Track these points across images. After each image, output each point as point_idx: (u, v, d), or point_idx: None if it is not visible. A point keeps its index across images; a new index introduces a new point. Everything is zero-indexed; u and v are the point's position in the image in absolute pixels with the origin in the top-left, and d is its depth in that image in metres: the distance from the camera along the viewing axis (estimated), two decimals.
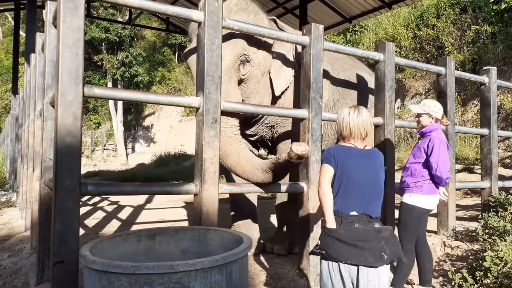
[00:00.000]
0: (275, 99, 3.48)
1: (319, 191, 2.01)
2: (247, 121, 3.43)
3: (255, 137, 3.69)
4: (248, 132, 3.58)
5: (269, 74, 3.37)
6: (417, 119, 3.06)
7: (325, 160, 2.06)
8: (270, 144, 3.79)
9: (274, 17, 3.47)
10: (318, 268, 3.04)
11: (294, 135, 3.43)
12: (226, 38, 3.03)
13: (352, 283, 1.91)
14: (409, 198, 2.89)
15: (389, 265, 1.96)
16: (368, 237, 1.91)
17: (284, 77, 3.40)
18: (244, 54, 3.10)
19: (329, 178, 2.02)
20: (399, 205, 3.00)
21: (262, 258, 3.43)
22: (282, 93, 3.44)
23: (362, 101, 4.12)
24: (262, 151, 4.15)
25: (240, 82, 3.18)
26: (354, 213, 1.97)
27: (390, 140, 3.59)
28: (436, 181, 2.85)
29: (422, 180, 2.86)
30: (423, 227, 3.00)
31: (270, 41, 3.32)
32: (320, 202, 2.02)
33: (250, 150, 3.77)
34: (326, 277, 1.95)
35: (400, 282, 2.87)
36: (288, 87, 3.44)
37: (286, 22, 3.57)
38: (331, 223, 1.96)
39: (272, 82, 3.37)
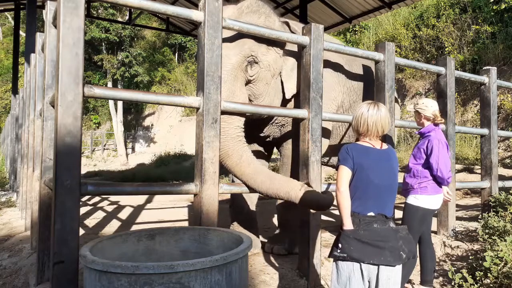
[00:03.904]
0: (285, 101, 3.45)
1: (338, 195, 1.99)
2: (259, 123, 3.42)
3: (268, 138, 3.68)
4: (261, 134, 3.58)
5: (280, 77, 3.34)
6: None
7: (342, 161, 2.03)
8: (277, 142, 3.78)
9: (287, 20, 3.43)
10: (319, 268, 3.05)
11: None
12: (235, 38, 3.02)
13: (369, 282, 1.92)
14: (414, 199, 2.89)
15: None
16: (387, 237, 1.92)
17: (295, 81, 3.36)
18: (252, 55, 3.07)
19: (348, 181, 2.00)
20: (400, 205, 3.00)
21: (262, 258, 3.43)
22: (293, 95, 3.40)
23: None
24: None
25: (248, 82, 3.16)
26: (371, 213, 1.97)
27: (390, 140, 3.59)
28: (438, 181, 2.86)
29: (426, 181, 2.86)
30: (428, 227, 3.01)
31: (282, 42, 3.28)
32: (338, 205, 2.00)
33: (263, 152, 3.79)
34: (345, 277, 1.94)
35: (402, 281, 2.87)
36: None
37: None
38: (348, 225, 1.95)
39: (283, 84, 3.34)
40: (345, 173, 2.00)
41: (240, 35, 3.03)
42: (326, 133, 3.65)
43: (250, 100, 3.18)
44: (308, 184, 2.91)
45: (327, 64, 3.61)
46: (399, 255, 1.91)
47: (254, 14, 3.17)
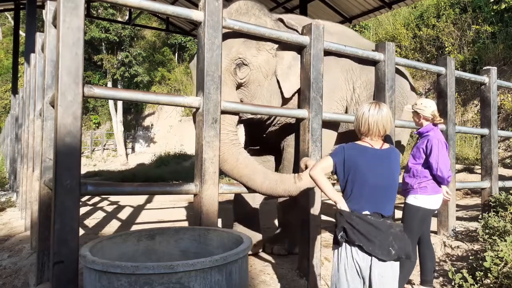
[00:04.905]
0: (285, 101, 3.39)
1: (311, 178, 2.03)
2: (260, 125, 3.41)
3: (270, 140, 3.65)
4: (264, 135, 3.57)
5: (276, 76, 3.29)
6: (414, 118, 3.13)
7: (333, 154, 2.04)
8: (279, 145, 3.76)
9: (281, 17, 3.38)
10: (319, 269, 3.05)
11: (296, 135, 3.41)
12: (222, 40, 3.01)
13: (363, 278, 1.93)
14: (414, 199, 2.88)
15: (398, 262, 1.97)
16: (379, 230, 1.92)
17: (295, 78, 3.29)
18: (240, 58, 3.04)
19: (324, 167, 2.03)
20: (400, 206, 3.00)
21: (262, 258, 3.42)
22: (294, 94, 3.34)
23: (398, 96, 4.04)
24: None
25: (240, 86, 3.13)
26: (367, 212, 1.97)
27: (390, 140, 3.59)
28: (438, 180, 2.86)
29: (425, 181, 2.86)
30: (427, 228, 3.01)
31: (276, 40, 3.24)
32: (318, 186, 2.02)
33: (269, 154, 3.77)
34: (341, 267, 1.95)
35: (401, 282, 2.87)
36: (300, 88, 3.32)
37: None
38: (340, 201, 1.98)
39: (280, 84, 3.29)
40: (327, 162, 2.03)
41: (227, 38, 3.01)
42: (334, 125, 3.64)
43: None
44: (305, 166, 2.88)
45: (336, 64, 3.59)
46: (388, 250, 1.89)
47: (243, 17, 3.14)
